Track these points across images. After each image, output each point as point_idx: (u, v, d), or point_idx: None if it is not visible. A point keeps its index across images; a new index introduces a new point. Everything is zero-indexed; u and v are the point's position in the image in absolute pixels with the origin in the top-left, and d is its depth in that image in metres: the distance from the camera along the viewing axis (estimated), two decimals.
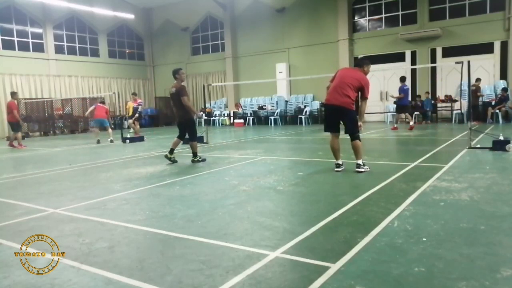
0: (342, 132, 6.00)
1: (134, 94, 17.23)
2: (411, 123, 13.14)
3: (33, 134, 18.93)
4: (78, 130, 20.19)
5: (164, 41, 24.82)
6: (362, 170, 5.77)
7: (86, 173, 7.06)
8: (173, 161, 7.48)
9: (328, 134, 6.12)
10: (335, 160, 6.03)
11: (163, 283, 2.44)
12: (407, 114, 13.85)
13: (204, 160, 7.58)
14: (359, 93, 5.87)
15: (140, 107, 15.87)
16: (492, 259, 2.59)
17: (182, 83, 7.47)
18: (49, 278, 2.59)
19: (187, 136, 7.60)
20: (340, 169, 5.93)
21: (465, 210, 3.72)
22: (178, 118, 7.59)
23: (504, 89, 14.66)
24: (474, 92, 13.70)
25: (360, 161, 5.83)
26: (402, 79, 13.36)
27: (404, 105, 13.27)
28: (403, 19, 17.72)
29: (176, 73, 7.44)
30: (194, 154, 7.54)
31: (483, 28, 15.88)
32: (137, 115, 14.68)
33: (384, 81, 18.14)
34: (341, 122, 5.94)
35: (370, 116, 18.34)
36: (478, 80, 14.68)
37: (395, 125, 13.51)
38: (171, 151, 7.50)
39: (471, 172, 5.51)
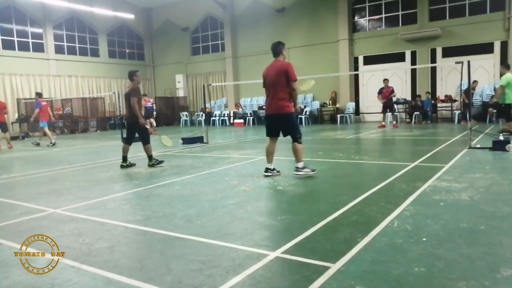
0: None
1: (144, 95, 17.32)
2: (383, 123, 14.76)
3: (33, 134, 18.90)
4: (78, 130, 20.17)
5: (164, 41, 24.81)
6: (302, 173, 5.44)
7: (86, 173, 7.06)
8: (131, 165, 7.29)
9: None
10: (267, 164, 5.74)
11: (163, 283, 2.44)
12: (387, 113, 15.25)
13: (161, 161, 7.25)
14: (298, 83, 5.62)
15: (154, 105, 18.20)
16: (492, 259, 2.59)
17: (138, 85, 7.40)
18: (49, 278, 2.59)
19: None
20: (269, 174, 5.66)
21: (465, 210, 3.72)
22: (126, 120, 7.46)
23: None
24: (466, 92, 13.86)
25: (299, 164, 5.48)
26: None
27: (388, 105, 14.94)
28: (403, 19, 17.72)
29: (132, 75, 7.35)
30: (149, 158, 7.24)
31: (483, 28, 15.88)
32: (155, 113, 17.81)
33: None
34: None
35: (370, 115, 18.36)
36: (474, 82, 14.74)
37: (383, 123, 14.73)
38: (124, 159, 7.28)
39: (471, 172, 5.51)
